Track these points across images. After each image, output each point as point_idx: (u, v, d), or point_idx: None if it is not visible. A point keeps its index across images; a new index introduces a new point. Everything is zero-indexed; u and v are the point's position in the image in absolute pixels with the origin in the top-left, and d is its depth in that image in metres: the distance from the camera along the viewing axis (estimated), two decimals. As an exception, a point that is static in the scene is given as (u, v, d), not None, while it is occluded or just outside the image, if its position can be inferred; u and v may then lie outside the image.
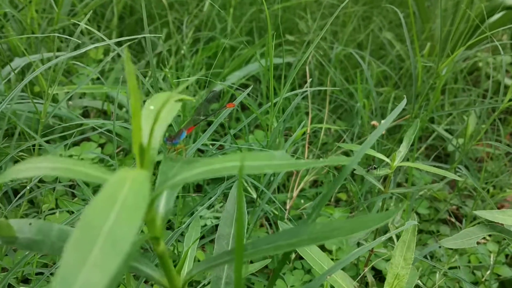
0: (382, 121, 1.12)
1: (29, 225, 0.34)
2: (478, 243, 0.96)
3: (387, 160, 0.64)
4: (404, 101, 0.38)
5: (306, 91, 0.87)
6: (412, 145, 0.94)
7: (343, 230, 0.30)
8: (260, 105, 1.22)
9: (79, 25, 0.93)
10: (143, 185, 0.24)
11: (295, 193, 0.94)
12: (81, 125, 0.99)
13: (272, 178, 0.88)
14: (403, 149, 0.66)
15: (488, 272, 0.85)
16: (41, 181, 0.92)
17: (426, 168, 0.62)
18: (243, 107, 1.26)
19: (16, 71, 1.00)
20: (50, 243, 0.34)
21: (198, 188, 1.00)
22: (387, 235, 0.42)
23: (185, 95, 0.33)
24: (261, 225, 0.93)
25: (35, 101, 1.01)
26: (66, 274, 0.20)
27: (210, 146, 0.99)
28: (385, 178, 1.01)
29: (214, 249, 0.43)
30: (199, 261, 0.81)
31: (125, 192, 0.24)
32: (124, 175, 0.25)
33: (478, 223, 0.94)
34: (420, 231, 1.00)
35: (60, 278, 0.19)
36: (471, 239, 0.55)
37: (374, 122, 1.14)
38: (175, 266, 0.78)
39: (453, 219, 1.02)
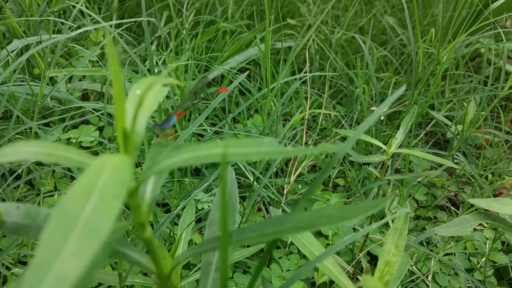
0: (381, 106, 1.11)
1: (16, 208, 0.34)
2: (475, 229, 0.97)
3: (383, 146, 0.64)
4: (403, 88, 0.38)
5: (305, 76, 0.86)
6: (410, 131, 0.93)
7: (332, 218, 0.30)
8: (259, 89, 1.22)
9: (81, 2, 0.92)
10: (124, 172, 0.24)
11: (292, 178, 0.94)
12: (81, 107, 0.98)
13: (270, 163, 0.87)
14: (399, 136, 0.66)
15: (484, 259, 0.85)
16: (39, 163, 0.92)
17: (422, 155, 0.62)
18: (243, 91, 1.26)
19: (14, 53, 1.00)
20: (37, 227, 0.33)
21: (197, 171, 1.00)
22: (382, 221, 0.42)
23: (173, 79, 0.32)
24: (259, 209, 0.93)
25: (34, 83, 1.01)
26: (40, 263, 0.20)
27: (208, 131, 0.99)
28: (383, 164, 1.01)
29: (205, 234, 0.43)
30: (195, 244, 0.81)
31: (105, 179, 0.23)
32: (104, 161, 0.25)
33: (475, 210, 0.94)
34: (417, 217, 1.00)
35: (34, 267, 0.19)
36: (464, 226, 0.55)
37: (373, 108, 1.13)
38: (169, 250, 0.78)
39: (450, 206, 1.01)
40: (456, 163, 1.01)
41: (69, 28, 1.25)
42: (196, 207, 0.85)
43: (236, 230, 0.32)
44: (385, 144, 1.01)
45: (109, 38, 0.24)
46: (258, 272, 0.33)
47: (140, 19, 0.73)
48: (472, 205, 0.96)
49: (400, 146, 0.70)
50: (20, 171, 0.72)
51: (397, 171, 1.09)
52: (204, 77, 0.47)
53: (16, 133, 0.79)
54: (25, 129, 0.86)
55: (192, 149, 0.29)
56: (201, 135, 1.04)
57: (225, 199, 0.24)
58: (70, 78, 1.18)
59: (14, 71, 1.07)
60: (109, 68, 0.25)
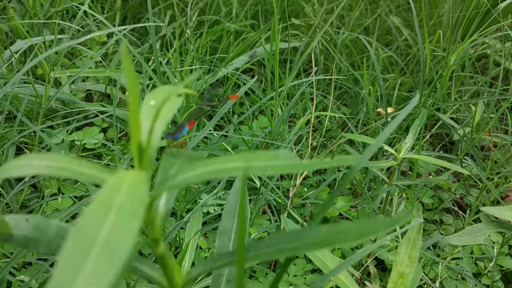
0: (388, 109, 1.10)
1: (25, 221, 0.34)
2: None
3: (392, 151, 0.63)
4: (416, 99, 0.37)
5: (312, 79, 0.85)
6: (418, 135, 0.92)
7: (351, 234, 0.29)
8: (264, 90, 1.21)
9: (86, 4, 0.91)
10: (141, 188, 0.23)
11: (298, 181, 0.93)
12: (85, 108, 0.98)
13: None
14: (409, 141, 0.65)
15: (492, 264, 0.84)
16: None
17: (432, 160, 0.61)
18: (246, 92, 1.25)
19: (18, 54, 0.99)
20: (47, 240, 0.33)
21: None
22: (395, 233, 0.42)
23: (188, 89, 0.32)
24: (264, 212, 0.93)
25: (38, 84, 1.00)
26: (58, 285, 0.19)
27: (215, 134, 0.98)
28: (389, 167, 1.00)
29: (216, 244, 0.42)
30: (201, 248, 0.81)
31: (122, 196, 0.23)
32: (121, 177, 0.24)
33: (484, 214, 0.94)
34: (423, 220, 0.99)
35: (52, 290, 0.18)
36: (477, 235, 0.54)
37: (379, 110, 1.13)
38: (176, 255, 0.77)
39: (457, 209, 1.01)
40: (464, 167, 1.00)
41: (77, 31, 1.24)
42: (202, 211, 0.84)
43: (251, 244, 0.32)
44: (390, 145, 1.00)
45: (124, 50, 0.24)
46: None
47: (146, 24, 0.73)
48: (479, 210, 0.95)
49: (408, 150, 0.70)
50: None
51: (403, 173, 1.08)
52: (215, 84, 0.46)
53: (20, 137, 0.79)
54: (29, 132, 0.85)
55: (208, 163, 0.28)
56: (206, 137, 1.03)
57: (244, 220, 0.24)
58: (74, 80, 1.17)
59: (17, 71, 1.06)
60: (126, 81, 0.25)
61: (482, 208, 0.55)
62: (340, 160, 0.32)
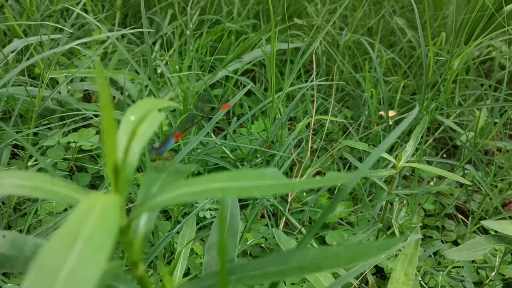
0: (391, 112, 1.08)
1: (2, 237, 0.32)
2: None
3: (393, 160, 0.62)
4: (415, 112, 0.35)
5: (312, 83, 0.83)
6: (419, 140, 0.90)
7: (340, 259, 0.28)
8: (265, 90, 1.19)
9: (81, 5, 0.89)
10: (112, 216, 0.22)
11: (297, 186, 0.91)
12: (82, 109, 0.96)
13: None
14: (409, 149, 0.63)
15: (494, 273, 0.82)
16: (40, 169, 0.90)
17: (432, 170, 0.59)
18: (247, 92, 1.23)
19: (14, 53, 0.97)
20: (24, 259, 0.31)
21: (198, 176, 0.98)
22: (395, 249, 0.40)
23: (172, 102, 0.30)
24: (262, 216, 0.91)
25: (35, 83, 0.99)
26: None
27: (213, 137, 0.96)
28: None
29: (204, 259, 0.41)
30: (196, 254, 0.79)
31: (90, 225, 0.21)
32: (91, 203, 0.22)
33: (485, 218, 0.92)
34: (424, 226, 0.97)
35: None
36: (477, 250, 0.53)
37: (381, 113, 1.11)
38: (169, 262, 0.76)
39: (458, 214, 0.99)
40: (466, 175, 0.99)
41: (77, 29, 1.23)
42: (198, 216, 0.83)
43: (235, 266, 0.30)
44: (392, 150, 0.98)
45: (101, 76, 0.22)
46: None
47: (140, 30, 0.71)
48: (482, 218, 0.93)
49: (409, 156, 0.68)
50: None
51: (405, 177, 1.06)
52: (204, 95, 0.44)
53: (14, 139, 0.77)
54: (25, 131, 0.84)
55: (188, 184, 0.26)
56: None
57: (224, 253, 0.22)
58: (72, 79, 1.16)
59: (11, 70, 1.05)
60: (100, 98, 0.23)
61: (483, 222, 0.53)
62: (331, 178, 0.30)
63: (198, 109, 0.43)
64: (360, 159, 1.02)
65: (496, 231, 0.52)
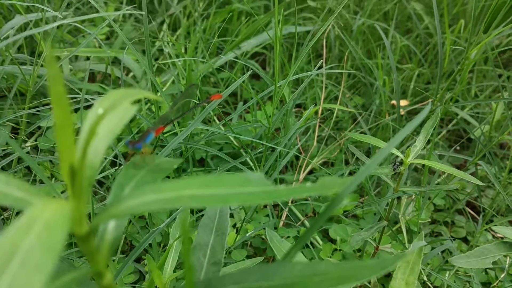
0: (403, 102, 1.03)
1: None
2: (495, 237, 0.90)
3: (401, 155, 0.58)
4: (428, 108, 0.32)
5: (320, 71, 0.79)
6: (431, 135, 0.87)
7: (328, 278, 0.25)
8: (273, 75, 1.15)
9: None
10: (59, 229, 0.19)
11: (302, 176, 0.88)
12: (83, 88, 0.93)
13: (277, 159, 0.82)
14: (419, 144, 0.59)
15: (504, 274, 0.79)
16: (40, 150, 0.88)
17: (443, 168, 0.55)
18: (254, 76, 1.19)
19: (15, 30, 0.95)
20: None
21: (201, 162, 0.95)
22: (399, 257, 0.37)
23: (148, 93, 0.27)
24: (265, 206, 0.88)
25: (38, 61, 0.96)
26: None
27: (217, 121, 0.93)
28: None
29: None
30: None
31: (31, 241, 0.18)
32: (37, 211, 0.19)
33: (498, 221, 0.88)
34: (433, 221, 0.94)
35: None
36: (486, 258, 0.49)
37: (393, 102, 1.06)
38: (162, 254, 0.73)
39: (469, 210, 0.95)
40: (480, 169, 0.95)
41: (84, 4, 1.20)
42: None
43: (213, 279, 0.27)
44: (402, 143, 0.94)
45: (52, 65, 0.19)
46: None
47: (142, 12, 0.67)
48: (494, 215, 0.89)
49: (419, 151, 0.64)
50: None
51: (415, 169, 1.02)
52: (191, 86, 0.41)
53: (9, 117, 0.75)
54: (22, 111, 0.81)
55: (158, 189, 0.23)
56: (209, 120, 0.98)
57: (191, 276, 0.19)
58: (76, 57, 1.13)
59: (18, 49, 1.02)
60: (50, 90, 0.20)
61: (494, 228, 0.50)
62: (325, 186, 0.27)
63: (183, 100, 0.40)
64: (369, 150, 0.98)
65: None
